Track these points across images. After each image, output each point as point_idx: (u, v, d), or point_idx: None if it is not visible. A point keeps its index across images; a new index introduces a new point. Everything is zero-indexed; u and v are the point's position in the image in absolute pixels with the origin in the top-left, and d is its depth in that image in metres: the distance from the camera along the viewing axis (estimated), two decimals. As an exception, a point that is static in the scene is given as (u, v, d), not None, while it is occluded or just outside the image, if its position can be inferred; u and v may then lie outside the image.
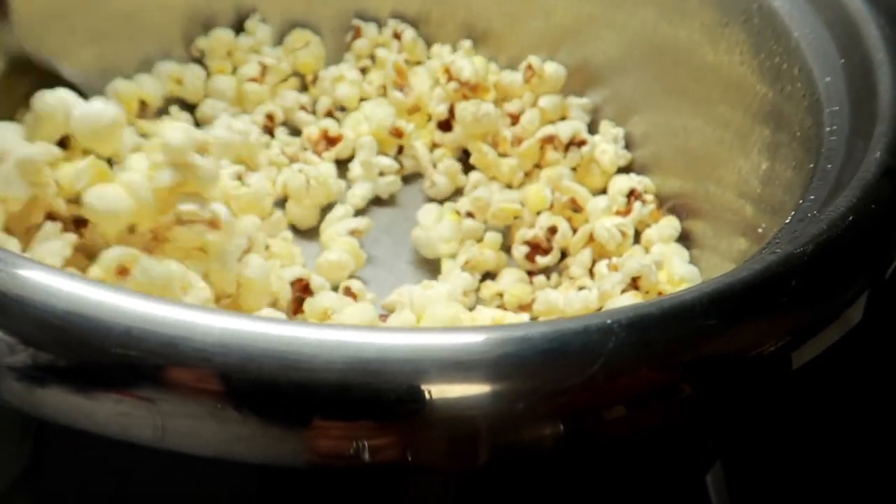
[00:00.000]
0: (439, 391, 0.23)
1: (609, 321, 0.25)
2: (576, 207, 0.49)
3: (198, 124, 0.52)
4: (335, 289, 0.45)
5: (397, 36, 0.56)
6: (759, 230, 0.38)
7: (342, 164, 0.53)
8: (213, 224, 0.38)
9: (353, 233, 0.48)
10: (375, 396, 0.23)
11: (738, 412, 0.30)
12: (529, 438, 0.25)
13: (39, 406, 0.24)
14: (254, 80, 0.54)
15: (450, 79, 0.52)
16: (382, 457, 0.24)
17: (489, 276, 0.48)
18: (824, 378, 0.30)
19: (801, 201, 0.32)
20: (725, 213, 0.42)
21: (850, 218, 0.29)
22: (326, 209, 0.50)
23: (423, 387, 0.23)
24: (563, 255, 0.48)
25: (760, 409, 0.31)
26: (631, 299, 0.41)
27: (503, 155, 0.52)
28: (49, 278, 0.24)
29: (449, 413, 0.24)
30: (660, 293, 0.42)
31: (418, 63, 0.56)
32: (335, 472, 0.25)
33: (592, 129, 0.53)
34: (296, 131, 0.54)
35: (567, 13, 0.53)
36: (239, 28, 0.55)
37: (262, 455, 0.24)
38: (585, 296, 0.43)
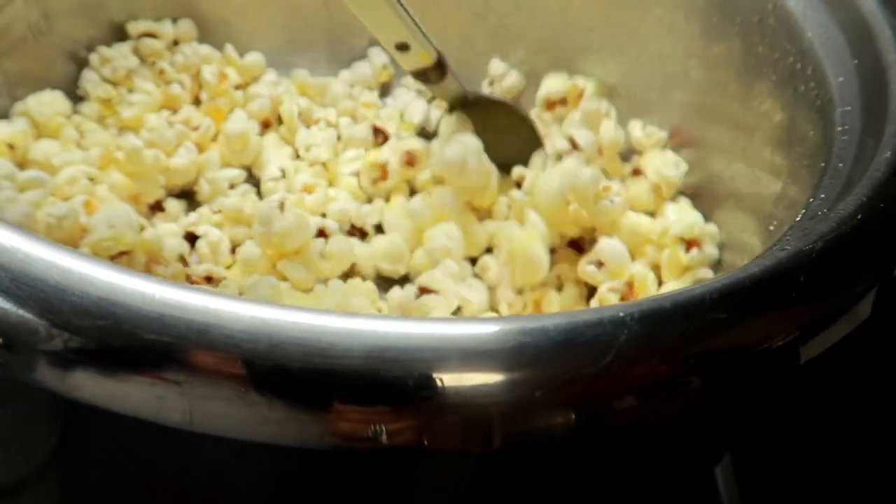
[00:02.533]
0: (458, 379, 0.24)
1: (622, 314, 0.25)
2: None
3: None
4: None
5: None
6: (771, 227, 0.39)
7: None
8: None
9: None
10: (394, 383, 0.24)
11: (746, 405, 0.30)
12: (543, 426, 0.25)
13: (74, 389, 0.25)
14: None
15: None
16: (399, 440, 0.25)
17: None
18: (835, 372, 0.31)
19: (811, 199, 0.33)
20: (737, 210, 0.43)
21: (859, 216, 0.30)
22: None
23: (440, 375, 0.24)
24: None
25: (770, 402, 0.32)
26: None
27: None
28: (86, 267, 0.25)
29: (466, 400, 0.24)
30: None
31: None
32: (355, 455, 0.26)
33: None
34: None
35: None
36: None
37: (285, 437, 0.25)
38: None
